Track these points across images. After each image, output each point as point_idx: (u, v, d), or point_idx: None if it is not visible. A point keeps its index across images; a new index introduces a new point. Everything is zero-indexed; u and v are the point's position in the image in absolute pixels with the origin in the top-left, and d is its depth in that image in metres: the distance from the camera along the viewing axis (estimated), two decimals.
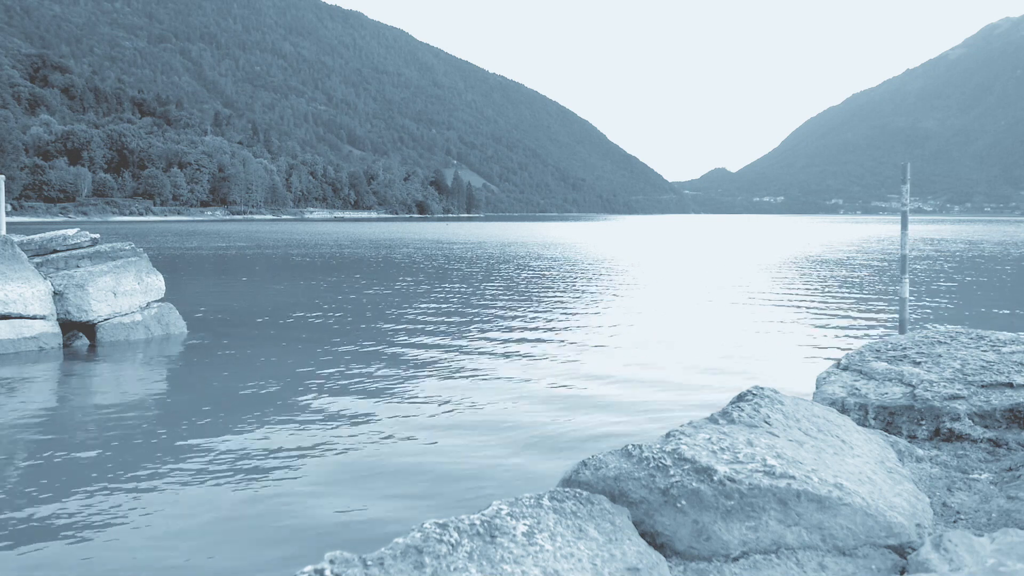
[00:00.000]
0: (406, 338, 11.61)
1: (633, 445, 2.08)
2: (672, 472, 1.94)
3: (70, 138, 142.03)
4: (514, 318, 13.87)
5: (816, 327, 12.80)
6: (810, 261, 30.50)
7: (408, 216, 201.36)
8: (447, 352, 10.48)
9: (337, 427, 6.83)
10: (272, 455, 6.05)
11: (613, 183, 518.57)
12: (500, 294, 17.98)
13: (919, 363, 3.42)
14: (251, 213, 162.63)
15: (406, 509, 4.96)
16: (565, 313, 14.57)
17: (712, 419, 2.38)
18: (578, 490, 1.88)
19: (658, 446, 2.07)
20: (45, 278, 11.04)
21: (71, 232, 12.05)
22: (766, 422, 2.34)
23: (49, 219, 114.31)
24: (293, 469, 5.73)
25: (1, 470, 5.70)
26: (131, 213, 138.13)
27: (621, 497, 1.94)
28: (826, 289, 19.23)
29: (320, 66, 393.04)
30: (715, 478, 1.91)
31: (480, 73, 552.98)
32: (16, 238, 11.44)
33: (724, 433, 2.22)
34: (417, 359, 9.97)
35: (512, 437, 6.53)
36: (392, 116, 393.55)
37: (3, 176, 14.53)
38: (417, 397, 7.94)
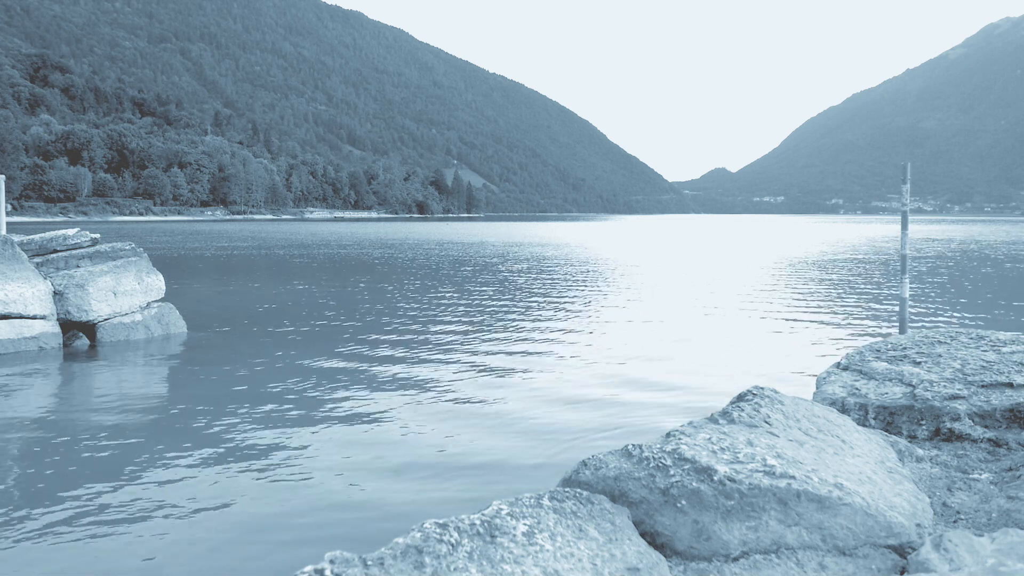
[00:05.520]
0: (407, 337, 11.61)
1: (633, 445, 2.08)
2: (672, 472, 1.94)
3: (70, 138, 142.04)
4: (514, 318, 13.87)
5: (816, 327, 12.80)
6: (810, 261, 30.49)
7: (408, 216, 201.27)
8: (447, 352, 10.48)
9: (337, 427, 6.83)
10: (271, 455, 6.05)
11: (613, 183, 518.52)
12: (501, 294, 17.98)
13: (919, 363, 3.42)
14: (251, 213, 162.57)
15: (406, 508, 4.96)
16: (565, 313, 14.57)
17: (712, 419, 2.38)
18: (578, 490, 1.88)
19: (658, 446, 2.07)
20: (45, 278, 11.03)
21: (71, 232, 12.05)
22: (766, 422, 2.34)
23: (49, 219, 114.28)
24: (293, 469, 5.73)
25: (0, 470, 5.70)
26: (131, 213, 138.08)
27: (621, 497, 1.94)
28: (826, 289, 19.22)
29: (320, 66, 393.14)
30: (715, 478, 1.91)
31: (480, 73, 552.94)
32: (16, 238, 11.44)
33: (724, 433, 2.22)
34: (417, 359, 9.97)
35: (512, 437, 6.53)
36: (392, 116, 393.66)
37: (3, 176, 14.52)
38: (417, 397, 7.94)
